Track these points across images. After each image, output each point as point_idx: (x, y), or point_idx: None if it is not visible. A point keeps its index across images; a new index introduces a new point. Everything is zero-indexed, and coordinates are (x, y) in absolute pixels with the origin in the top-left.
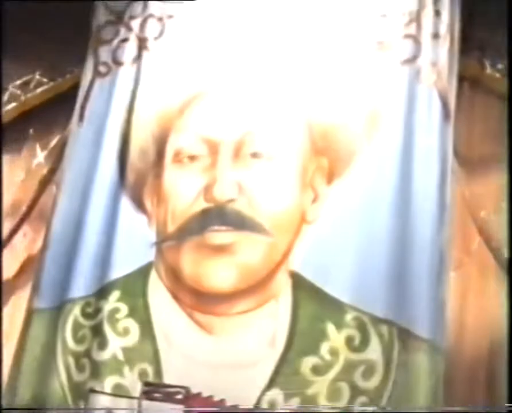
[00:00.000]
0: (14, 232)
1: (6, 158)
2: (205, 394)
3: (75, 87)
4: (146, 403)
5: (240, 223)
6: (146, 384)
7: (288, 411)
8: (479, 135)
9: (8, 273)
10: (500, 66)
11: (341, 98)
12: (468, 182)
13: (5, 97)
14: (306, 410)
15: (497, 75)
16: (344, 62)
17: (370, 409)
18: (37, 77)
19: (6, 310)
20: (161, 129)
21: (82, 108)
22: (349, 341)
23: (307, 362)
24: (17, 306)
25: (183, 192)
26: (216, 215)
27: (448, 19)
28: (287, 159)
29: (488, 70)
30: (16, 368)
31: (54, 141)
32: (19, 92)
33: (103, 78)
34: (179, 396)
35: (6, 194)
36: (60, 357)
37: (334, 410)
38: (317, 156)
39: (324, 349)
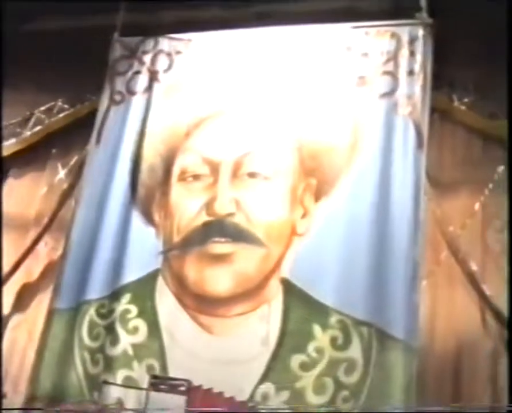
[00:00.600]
0: (37, 240)
1: (31, 174)
2: (205, 386)
3: (92, 113)
4: (152, 394)
5: (238, 235)
6: (153, 376)
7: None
8: (448, 161)
9: (31, 277)
10: (466, 100)
11: (328, 126)
12: (438, 201)
13: (32, 121)
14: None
15: (464, 108)
16: (330, 95)
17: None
18: (59, 103)
19: (29, 310)
20: (168, 151)
21: (99, 131)
22: (333, 340)
23: (296, 359)
24: (39, 306)
25: (187, 207)
26: (217, 228)
27: (421, 58)
28: (280, 179)
29: (456, 103)
30: (39, 361)
31: (73, 160)
32: (43, 116)
33: (118, 105)
34: (182, 388)
35: (31, 206)
36: (77, 352)
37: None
38: (306, 177)
39: (311, 347)
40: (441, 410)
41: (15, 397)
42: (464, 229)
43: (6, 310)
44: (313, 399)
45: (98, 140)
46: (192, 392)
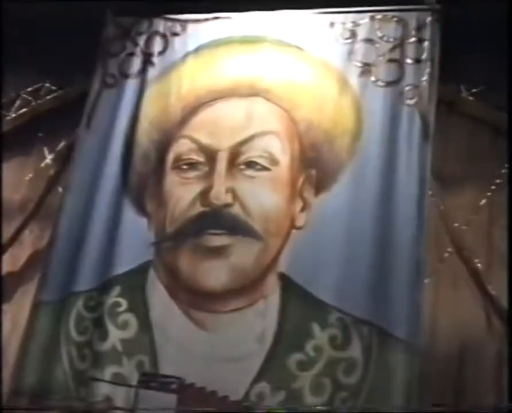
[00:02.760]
0: (22, 228)
1: (16, 159)
2: (198, 385)
3: (82, 96)
4: (142, 391)
5: (234, 227)
6: (143, 374)
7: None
8: (453, 154)
9: (15, 266)
10: (474, 90)
11: (329, 115)
12: (443, 196)
13: (17, 103)
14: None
15: (472, 99)
16: (332, 82)
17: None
18: (47, 85)
19: (13, 301)
20: (162, 138)
21: (90, 115)
22: (332, 339)
23: (293, 358)
24: (24, 297)
25: (181, 196)
26: (212, 219)
27: (429, 46)
28: (279, 169)
29: (464, 94)
30: (23, 355)
31: (61, 145)
32: (29, 98)
33: (110, 88)
34: (174, 386)
35: (16, 192)
36: (64, 346)
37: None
38: (306, 168)
39: (309, 346)
40: (441, 411)
41: None
42: (469, 226)
43: None
44: (311, 400)
45: (88, 125)
46: (183, 390)
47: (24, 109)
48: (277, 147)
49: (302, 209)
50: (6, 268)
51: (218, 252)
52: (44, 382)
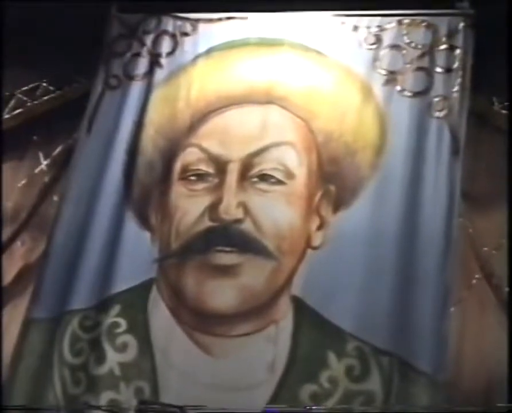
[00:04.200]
0: (12, 238)
1: (8, 163)
2: None
3: (82, 97)
4: None
5: (245, 245)
6: (142, 401)
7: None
8: (484, 171)
9: (5, 280)
10: (507, 103)
11: (351, 127)
12: (471, 218)
13: (11, 103)
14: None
15: (504, 112)
16: (354, 92)
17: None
18: (44, 84)
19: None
20: (169, 146)
21: (91, 119)
22: (349, 370)
23: (306, 389)
24: (13, 314)
25: (188, 210)
26: (221, 236)
27: (461, 54)
28: (295, 183)
29: (496, 107)
30: (12, 377)
31: (57, 150)
32: (25, 98)
33: (113, 90)
34: None
35: (7, 199)
36: (56, 368)
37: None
38: (324, 183)
39: (324, 377)
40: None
41: None
42: (499, 250)
43: None
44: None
45: (89, 129)
46: None
47: (18, 110)
48: (293, 160)
49: (319, 227)
50: None
51: (227, 271)
52: (33, 407)
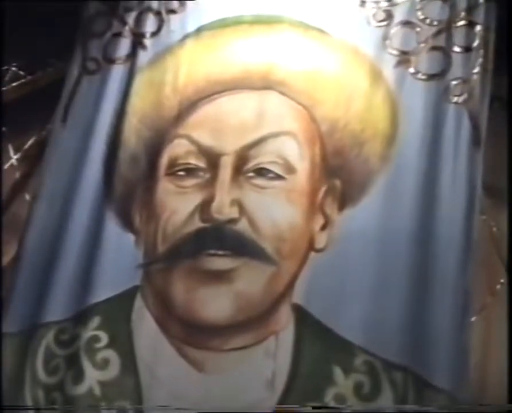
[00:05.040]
0: None
1: None
2: None
3: (56, 83)
4: None
5: (240, 247)
6: None
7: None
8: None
9: None
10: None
11: (359, 113)
12: (495, 215)
13: None
14: None
15: None
16: (363, 74)
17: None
18: (13, 69)
19: None
20: (154, 137)
21: (66, 107)
22: (357, 387)
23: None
24: None
25: (176, 209)
26: (213, 237)
27: (483, 32)
28: (296, 178)
29: None
30: None
31: (29, 143)
32: None
33: (92, 75)
34: None
35: None
36: (28, 388)
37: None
38: (329, 177)
39: (329, 395)
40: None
41: None
42: None
43: None
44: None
45: (64, 119)
46: None
47: None
48: (294, 152)
49: (323, 227)
50: None
51: (220, 277)
52: None
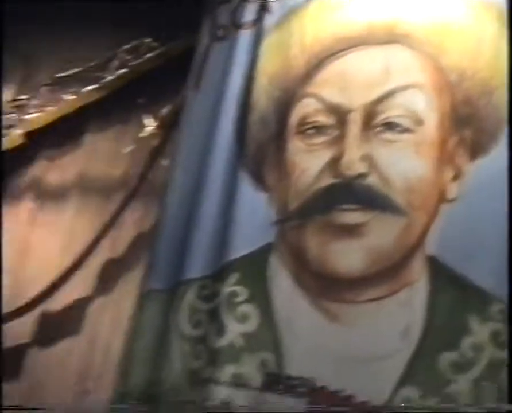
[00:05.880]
0: (122, 208)
1: (113, 129)
2: (331, 388)
3: (188, 52)
4: (266, 395)
5: (371, 201)
6: (267, 374)
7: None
8: None
9: (116, 252)
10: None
11: (487, 61)
12: None
13: (113, 63)
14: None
15: None
16: (491, 20)
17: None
18: (147, 41)
19: (115, 292)
20: (283, 97)
21: (199, 74)
22: (494, 335)
23: (446, 358)
24: (127, 287)
25: (307, 166)
26: (344, 192)
27: None
28: (425, 130)
29: None
30: (129, 353)
31: (165, 111)
32: (128, 57)
33: (221, 42)
34: (302, 389)
35: (114, 166)
36: (175, 342)
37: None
38: (459, 127)
39: (466, 344)
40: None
41: (100, 394)
42: None
43: (87, 291)
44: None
45: (197, 85)
46: (313, 394)
47: (121, 71)
48: (422, 104)
49: (454, 178)
50: (106, 254)
51: (353, 230)
52: (154, 382)
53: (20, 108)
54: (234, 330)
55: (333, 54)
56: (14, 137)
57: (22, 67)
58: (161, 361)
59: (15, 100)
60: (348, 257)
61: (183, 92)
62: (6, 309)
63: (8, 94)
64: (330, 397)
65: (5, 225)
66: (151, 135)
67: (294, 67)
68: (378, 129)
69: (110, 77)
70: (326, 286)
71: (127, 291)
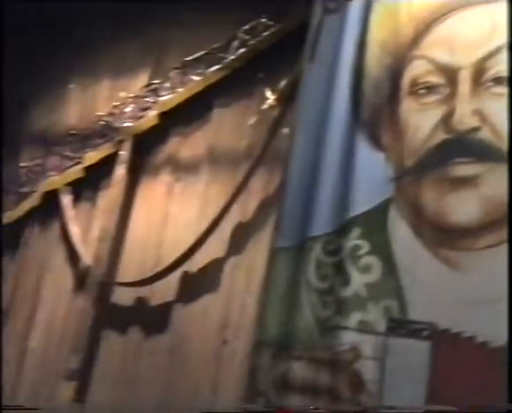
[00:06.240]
0: (249, 174)
1: (237, 103)
2: (452, 331)
3: (300, 27)
4: (391, 339)
5: (484, 153)
6: (391, 320)
7: None
8: None
9: (246, 216)
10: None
11: None
12: None
13: (234, 43)
14: None
15: None
16: None
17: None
18: (263, 20)
19: (247, 251)
20: (394, 61)
21: (313, 47)
22: None
23: None
24: (257, 246)
25: (420, 124)
26: (457, 147)
27: None
28: None
29: None
30: (263, 305)
31: (283, 83)
32: (246, 37)
33: (333, 14)
34: (426, 333)
35: (240, 138)
36: (304, 294)
37: None
38: None
39: None
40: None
41: (238, 344)
42: None
43: (222, 252)
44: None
45: (312, 57)
46: (436, 337)
47: (241, 50)
48: None
49: None
50: (236, 218)
51: (467, 182)
52: (287, 332)
53: (154, 92)
54: (358, 281)
55: (439, 17)
56: (150, 118)
57: (153, 55)
58: (293, 311)
59: (148, 84)
60: (463, 207)
61: (299, 65)
62: (151, 272)
63: (142, 80)
64: (452, 340)
65: (146, 197)
66: (272, 107)
67: (403, 33)
68: (488, 84)
69: (232, 57)
70: (443, 236)
71: (257, 250)
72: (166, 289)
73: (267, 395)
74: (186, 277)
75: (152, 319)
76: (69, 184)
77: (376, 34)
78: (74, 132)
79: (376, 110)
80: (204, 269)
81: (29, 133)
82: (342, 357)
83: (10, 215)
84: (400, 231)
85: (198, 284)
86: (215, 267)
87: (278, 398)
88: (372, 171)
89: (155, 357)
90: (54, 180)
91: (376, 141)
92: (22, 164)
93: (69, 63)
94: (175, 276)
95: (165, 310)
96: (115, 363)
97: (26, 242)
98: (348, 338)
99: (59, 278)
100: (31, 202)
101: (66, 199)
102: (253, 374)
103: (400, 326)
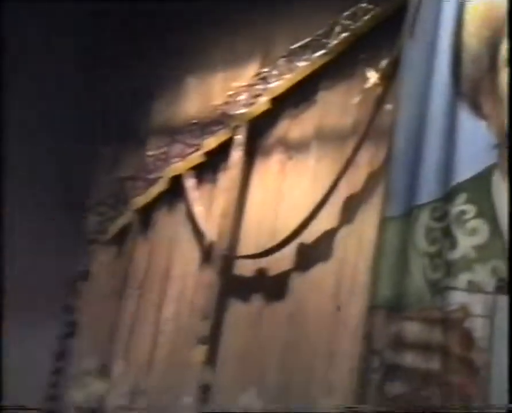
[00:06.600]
0: (356, 149)
1: (341, 84)
2: None
3: (399, 9)
4: (500, 298)
5: None
6: (499, 279)
7: None
8: None
9: (354, 188)
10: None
11: None
12: None
13: (336, 29)
14: None
15: None
16: None
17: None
18: (363, 5)
19: (356, 221)
20: (493, 36)
21: (412, 24)
22: None
23: None
24: (366, 216)
25: None
26: None
27: None
28: None
29: None
30: (375, 271)
31: (384, 62)
32: (348, 22)
33: None
34: None
35: (345, 116)
36: (414, 258)
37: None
38: None
39: None
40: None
41: (351, 309)
42: None
43: (334, 223)
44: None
45: (411, 34)
46: None
47: (344, 35)
48: None
49: None
50: (346, 191)
51: None
52: (399, 295)
53: (264, 79)
54: (466, 244)
55: None
56: (261, 104)
57: (260, 45)
58: (403, 275)
59: (258, 73)
60: None
61: (399, 43)
62: (269, 244)
63: (252, 70)
64: None
65: (261, 177)
66: (375, 85)
67: (501, 6)
68: None
69: (334, 42)
70: None
71: (367, 219)
72: (283, 260)
73: (382, 354)
74: (301, 248)
75: (272, 288)
76: (192, 168)
77: (474, 9)
78: (194, 121)
79: (476, 81)
80: (318, 240)
81: (154, 124)
82: (453, 316)
83: (140, 201)
84: (504, 194)
85: (312, 254)
86: (328, 238)
87: (392, 356)
88: (475, 139)
89: (275, 322)
90: (178, 166)
91: (477, 111)
92: (149, 153)
93: (186, 60)
94: (291, 247)
95: (283, 279)
96: (240, 328)
97: (156, 224)
98: (458, 298)
99: (186, 254)
100: (159, 187)
101: (189, 183)
102: (368, 335)
103: (508, 285)
